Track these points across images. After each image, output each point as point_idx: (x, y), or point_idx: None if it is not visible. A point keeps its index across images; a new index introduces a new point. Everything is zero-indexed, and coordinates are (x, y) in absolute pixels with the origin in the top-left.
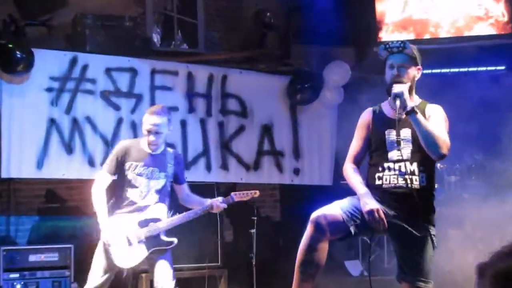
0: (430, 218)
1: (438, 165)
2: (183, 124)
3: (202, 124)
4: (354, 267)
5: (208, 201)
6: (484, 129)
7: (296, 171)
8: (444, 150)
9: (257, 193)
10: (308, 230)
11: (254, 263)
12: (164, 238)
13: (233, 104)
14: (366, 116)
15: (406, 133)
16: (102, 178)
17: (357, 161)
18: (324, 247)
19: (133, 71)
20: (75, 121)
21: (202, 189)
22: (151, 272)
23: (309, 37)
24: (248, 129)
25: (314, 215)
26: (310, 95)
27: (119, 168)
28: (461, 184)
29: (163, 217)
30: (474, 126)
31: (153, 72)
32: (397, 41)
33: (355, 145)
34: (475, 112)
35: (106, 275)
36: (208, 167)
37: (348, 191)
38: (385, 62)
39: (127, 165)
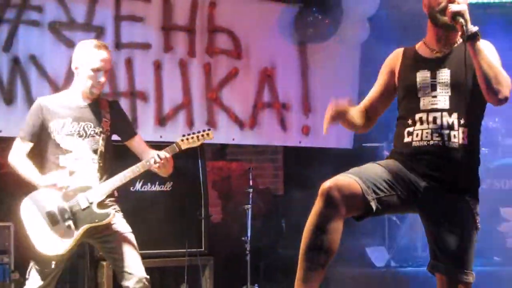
0: (473, 190)
1: (490, 123)
2: (157, 66)
3: (182, 67)
4: (379, 255)
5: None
6: None
7: (306, 130)
8: (507, 91)
9: (210, 135)
10: (317, 205)
11: (248, 249)
12: (96, 210)
13: (224, 41)
14: (392, 56)
15: (444, 74)
16: (19, 149)
17: (370, 109)
18: (337, 228)
19: None
20: (15, 62)
21: (182, 152)
22: (112, 259)
23: None
24: (242, 74)
25: (324, 185)
26: (325, 30)
27: (40, 132)
28: None
29: (94, 184)
30: None
31: None
32: None
33: (373, 90)
34: None
35: (48, 270)
36: (190, 123)
37: (374, 157)
38: None
39: (51, 125)
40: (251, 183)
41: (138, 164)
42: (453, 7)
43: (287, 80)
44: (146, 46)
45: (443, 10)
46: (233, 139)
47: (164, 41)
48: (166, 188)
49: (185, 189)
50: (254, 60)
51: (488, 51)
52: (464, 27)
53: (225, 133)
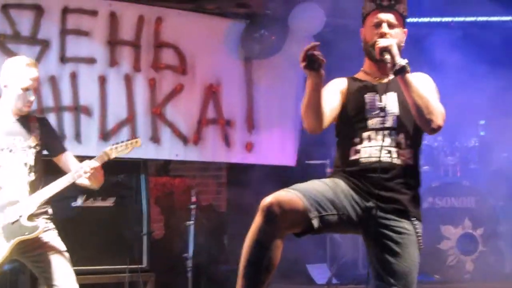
0: (417, 210)
1: (433, 142)
2: (102, 81)
3: (128, 82)
4: (320, 272)
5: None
6: (496, 99)
7: (249, 147)
8: (440, 120)
9: (138, 142)
10: (257, 221)
11: (190, 265)
12: (25, 223)
13: (170, 56)
14: (338, 81)
15: (391, 97)
16: None
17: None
18: (277, 244)
19: (38, 9)
20: None
21: (125, 167)
22: (44, 279)
23: None
24: (187, 89)
25: (265, 201)
26: (271, 46)
27: None
28: (462, 168)
29: (23, 197)
30: (482, 95)
31: (65, 11)
32: None
33: (325, 97)
34: (483, 77)
35: None
36: (134, 138)
37: (317, 174)
38: (365, 17)
39: None
40: (194, 199)
41: (68, 175)
42: (380, 43)
43: (232, 96)
44: (91, 61)
45: (374, 45)
46: (177, 155)
47: (110, 56)
48: (108, 203)
49: (128, 204)
50: (199, 76)
51: (420, 82)
52: (390, 63)
53: (169, 149)
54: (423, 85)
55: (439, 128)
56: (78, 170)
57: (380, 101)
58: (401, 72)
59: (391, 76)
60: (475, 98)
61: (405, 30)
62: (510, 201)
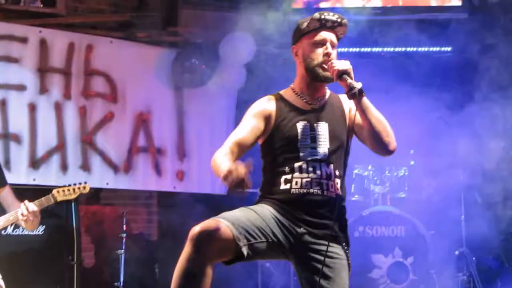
0: (347, 235)
1: (363, 171)
2: (32, 108)
3: (58, 110)
4: None
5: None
6: (425, 128)
7: (180, 175)
8: (395, 142)
9: (86, 188)
10: (186, 250)
11: None
12: None
13: (100, 84)
14: (266, 103)
15: (322, 127)
16: None
17: (237, 151)
18: (207, 273)
19: None
20: None
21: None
22: None
23: None
24: (118, 117)
25: (194, 230)
26: (201, 75)
27: None
28: (392, 197)
29: None
30: (412, 123)
31: None
32: (334, 14)
33: (239, 133)
34: (412, 106)
35: None
36: (64, 167)
37: (248, 202)
38: (304, 34)
39: None
40: (124, 228)
41: (1, 218)
42: (338, 65)
43: (162, 125)
44: (21, 88)
45: (322, 64)
46: (107, 183)
47: (40, 83)
48: (38, 232)
49: (58, 233)
50: (130, 104)
51: (372, 106)
52: (351, 85)
53: (99, 177)
54: (374, 108)
55: (394, 150)
56: (16, 213)
57: (312, 130)
58: (359, 95)
59: (323, 100)
60: (405, 128)
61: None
62: (440, 230)
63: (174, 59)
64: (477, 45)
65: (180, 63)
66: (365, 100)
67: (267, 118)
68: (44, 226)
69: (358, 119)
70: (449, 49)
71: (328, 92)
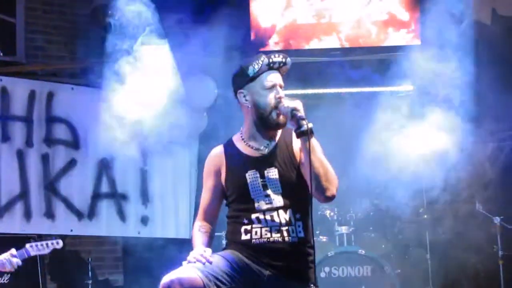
0: (314, 275)
1: (328, 212)
2: None
3: (20, 157)
4: None
5: None
6: (389, 168)
7: (145, 220)
8: (335, 189)
9: (60, 243)
10: None
11: None
12: None
13: (62, 131)
14: (214, 157)
15: (272, 173)
16: None
17: (209, 217)
18: None
19: None
20: None
21: (19, 244)
22: None
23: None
24: (81, 164)
25: (165, 279)
26: None
27: None
28: (356, 237)
29: None
30: (375, 163)
31: None
32: (279, 55)
33: (204, 197)
34: (375, 145)
35: None
36: (27, 215)
37: (214, 247)
38: (252, 79)
39: None
40: (90, 274)
41: None
42: (291, 104)
43: (125, 170)
44: None
45: (276, 109)
46: (72, 230)
47: (1, 131)
48: (3, 280)
49: (23, 281)
50: (92, 150)
51: (318, 148)
52: (300, 123)
53: (63, 224)
54: (320, 151)
55: (333, 197)
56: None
57: (262, 178)
58: (307, 134)
59: (271, 145)
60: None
61: None
62: (407, 268)
63: None
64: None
65: None
66: (314, 141)
67: (218, 174)
68: (9, 275)
69: (303, 157)
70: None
71: (277, 135)
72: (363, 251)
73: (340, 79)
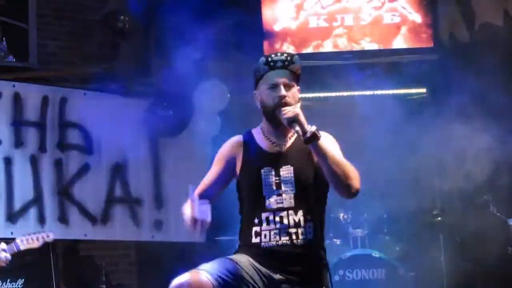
0: (328, 278)
1: (341, 215)
2: (8, 162)
3: (33, 163)
4: None
5: None
6: (403, 171)
7: (158, 225)
8: (358, 183)
9: (50, 236)
10: None
11: None
12: None
13: (75, 136)
14: (232, 146)
15: (287, 172)
16: None
17: (208, 197)
18: None
19: None
20: None
21: (34, 250)
22: None
23: (176, 48)
24: (94, 169)
25: (174, 283)
26: (175, 125)
27: None
28: (371, 239)
29: None
30: (389, 166)
31: None
32: (282, 54)
33: (206, 180)
34: (389, 148)
35: None
36: (41, 220)
37: (227, 250)
38: (258, 80)
39: None
40: (104, 279)
41: None
42: (287, 114)
43: (139, 175)
44: None
45: (277, 108)
46: (86, 235)
47: (15, 137)
48: (17, 285)
49: (37, 285)
50: (105, 155)
51: (330, 145)
52: (301, 132)
53: (78, 229)
54: (333, 148)
55: (357, 192)
56: None
57: (277, 176)
58: (312, 140)
59: (289, 141)
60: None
61: (298, 87)
62: (421, 271)
63: (148, 109)
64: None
65: (154, 113)
66: (320, 143)
67: (231, 163)
68: (23, 279)
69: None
70: (423, 90)
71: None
72: (377, 254)
73: (353, 82)
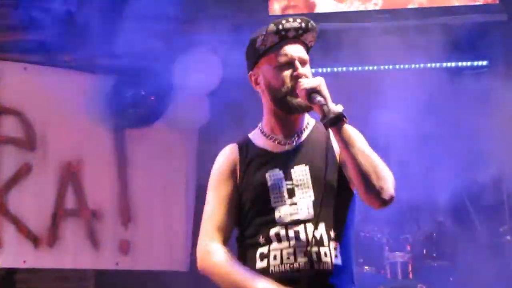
0: None
1: (375, 233)
2: None
3: None
4: None
5: None
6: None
7: (125, 247)
8: (392, 187)
9: None
10: None
11: None
12: None
13: (12, 126)
14: (228, 159)
15: (301, 173)
16: None
17: (226, 238)
18: None
19: None
20: None
21: None
22: None
23: (150, 3)
24: (37, 171)
25: None
26: (149, 111)
27: None
28: (415, 267)
29: None
30: (440, 166)
31: None
32: (295, 19)
33: (217, 211)
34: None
35: None
36: None
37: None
38: (262, 55)
39: None
40: None
41: None
42: (305, 83)
43: (98, 178)
44: None
45: (293, 91)
46: (25, 262)
47: None
48: None
49: None
50: (53, 152)
51: (357, 135)
52: (324, 107)
53: (14, 254)
54: (360, 139)
55: (391, 199)
56: None
57: (288, 179)
58: (337, 122)
59: (302, 136)
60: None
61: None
62: None
63: (112, 89)
64: None
65: (120, 94)
66: (347, 129)
67: (234, 180)
68: None
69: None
70: (484, 63)
71: (310, 123)
72: (424, 286)
73: (388, 52)
